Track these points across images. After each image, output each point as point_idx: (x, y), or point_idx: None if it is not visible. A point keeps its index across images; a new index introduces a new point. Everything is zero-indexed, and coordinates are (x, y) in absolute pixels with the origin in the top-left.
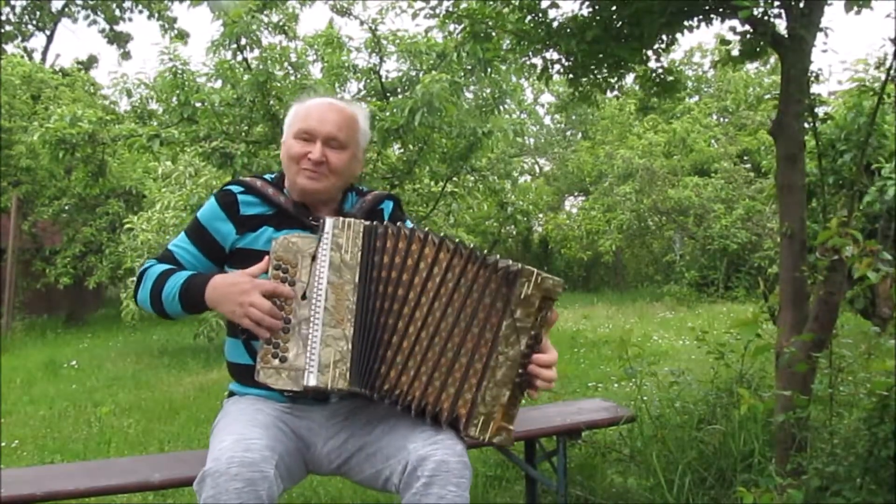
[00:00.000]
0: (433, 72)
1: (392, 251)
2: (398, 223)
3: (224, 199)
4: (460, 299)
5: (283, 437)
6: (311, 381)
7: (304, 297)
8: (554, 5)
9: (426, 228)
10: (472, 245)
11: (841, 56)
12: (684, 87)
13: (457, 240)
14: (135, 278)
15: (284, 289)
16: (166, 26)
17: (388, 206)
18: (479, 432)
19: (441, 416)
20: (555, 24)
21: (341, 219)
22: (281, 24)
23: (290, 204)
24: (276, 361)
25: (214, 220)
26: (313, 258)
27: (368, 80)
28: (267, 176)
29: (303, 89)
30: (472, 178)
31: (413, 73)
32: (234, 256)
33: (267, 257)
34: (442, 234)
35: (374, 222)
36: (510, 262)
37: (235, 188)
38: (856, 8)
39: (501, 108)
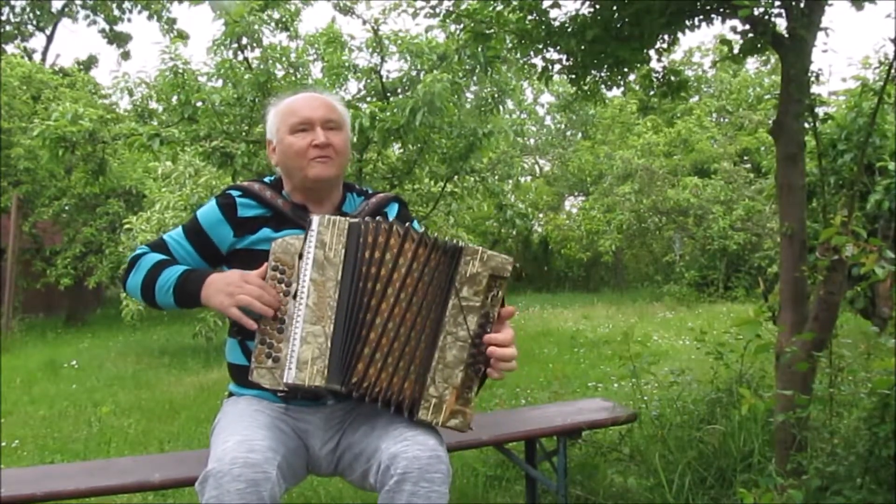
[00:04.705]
0: (434, 72)
1: (373, 247)
2: (377, 218)
3: (223, 202)
4: (416, 285)
5: (284, 438)
6: (289, 378)
7: (294, 296)
8: (556, 5)
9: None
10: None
11: (842, 56)
12: (692, 87)
13: (429, 232)
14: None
15: (272, 291)
16: (167, 27)
17: (392, 209)
18: (431, 415)
19: (403, 405)
20: (555, 23)
21: (327, 216)
22: (283, 20)
23: (289, 206)
24: (270, 362)
25: (213, 223)
26: (300, 256)
27: (369, 80)
28: (266, 179)
29: (303, 88)
30: (472, 179)
31: (414, 73)
32: (234, 257)
33: (266, 264)
34: (439, 233)
35: (359, 219)
36: (458, 242)
37: (234, 192)
38: (859, 3)
39: (501, 108)
